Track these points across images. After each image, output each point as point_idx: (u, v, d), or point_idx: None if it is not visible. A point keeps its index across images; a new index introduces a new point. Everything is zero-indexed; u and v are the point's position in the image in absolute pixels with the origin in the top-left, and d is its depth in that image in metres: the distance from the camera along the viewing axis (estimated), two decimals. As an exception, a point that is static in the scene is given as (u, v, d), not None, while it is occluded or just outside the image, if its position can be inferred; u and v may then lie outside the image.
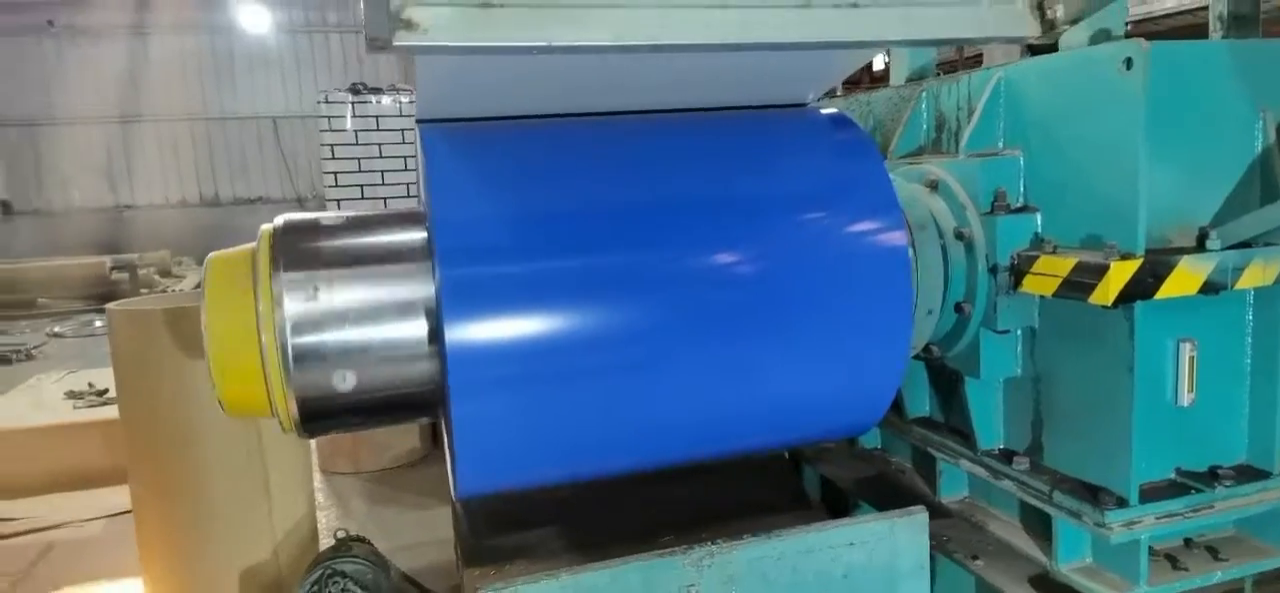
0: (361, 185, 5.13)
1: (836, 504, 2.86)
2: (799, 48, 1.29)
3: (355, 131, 5.06)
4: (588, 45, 1.20)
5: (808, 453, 3.04)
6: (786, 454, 3.03)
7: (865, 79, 10.28)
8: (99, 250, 16.00)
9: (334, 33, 19.82)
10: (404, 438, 4.95)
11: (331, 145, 5.06)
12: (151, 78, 19.00)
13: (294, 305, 1.70)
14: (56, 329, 12.04)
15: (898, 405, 2.69)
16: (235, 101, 19.70)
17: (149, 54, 18.90)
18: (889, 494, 2.68)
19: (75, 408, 5.47)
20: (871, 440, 2.97)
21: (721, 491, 2.61)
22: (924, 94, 2.52)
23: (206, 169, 19.81)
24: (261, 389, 1.75)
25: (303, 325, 1.71)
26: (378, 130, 5.10)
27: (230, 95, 19.66)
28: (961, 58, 8.37)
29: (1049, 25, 1.43)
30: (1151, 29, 7.37)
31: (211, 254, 1.82)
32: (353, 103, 5.02)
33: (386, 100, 5.10)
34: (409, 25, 1.06)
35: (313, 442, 5.01)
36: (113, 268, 14.52)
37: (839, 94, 3.96)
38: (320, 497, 4.57)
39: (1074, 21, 1.45)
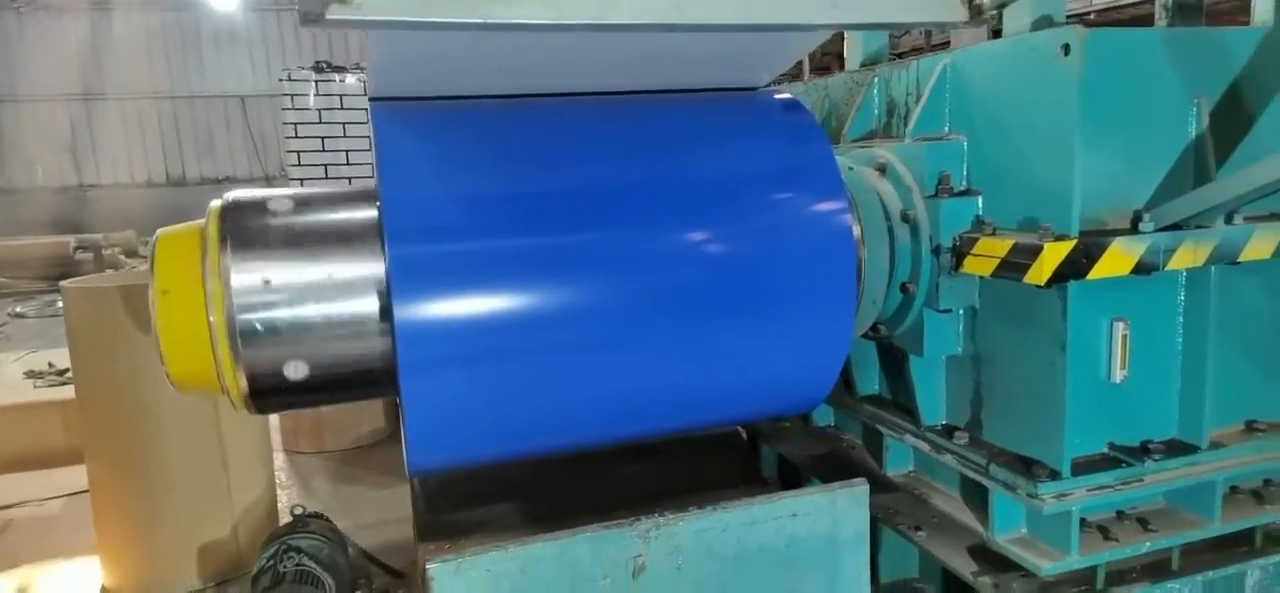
0: (325, 165, 5.09)
1: (792, 481, 2.93)
2: (731, 29, 1.32)
3: (319, 111, 5.01)
4: (523, 23, 1.23)
5: (764, 431, 3.10)
6: (743, 433, 3.09)
7: (836, 68, 10.32)
8: (63, 230, 15.70)
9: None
10: (368, 418, 4.96)
11: (294, 124, 5.01)
12: (117, 55, 18.62)
13: (242, 283, 1.71)
14: (19, 309, 11.83)
15: (849, 384, 2.75)
16: (202, 80, 19.37)
17: (114, 31, 18.51)
18: (840, 470, 2.74)
19: (35, 387, 5.40)
20: (825, 418, 3.03)
21: (679, 468, 2.66)
22: (876, 79, 2.57)
23: (173, 148, 19.48)
24: (211, 367, 1.76)
25: (251, 303, 1.72)
26: (342, 109, 5.05)
27: (197, 73, 19.33)
28: (929, 44, 8.45)
29: (976, 11, 1.47)
30: (1116, 17, 7.50)
31: (159, 231, 1.82)
32: (316, 81, 4.97)
33: (351, 79, 5.05)
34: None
35: (274, 422, 5.00)
36: (77, 248, 14.27)
37: (808, 79, 4.00)
38: (283, 476, 4.57)
39: (999, 6, 1.50)
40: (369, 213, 1.83)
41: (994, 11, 1.48)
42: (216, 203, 1.80)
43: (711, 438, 2.79)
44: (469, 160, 1.83)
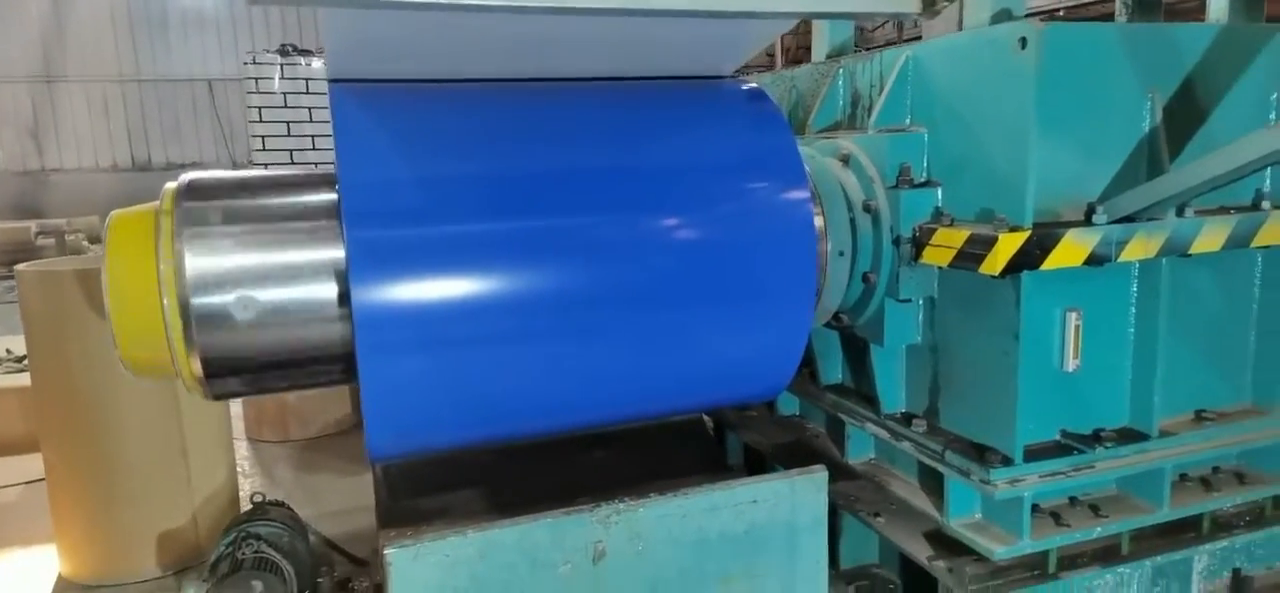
0: (291, 150, 5.02)
1: (757, 469, 2.95)
2: (688, 16, 1.32)
3: (284, 94, 4.94)
4: (476, 4, 1.22)
5: (730, 419, 3.12)
6: (709, 422, 3.11)
7: (808, 60, 10.37)
8: (25, 215, 15.33)
9: (274, -6, 19.13)
10: (333, 407, 4.91)
11: (259, 108, 4.94)
12: (81, 36, 18.15)
13: (197, 266, 1.69)
14: (-23, 296, 11.52)
15: (813, 373, 2.78)
16: (170, 63, 18.96)
17: (78, 11, 18.05)
18: (803, 458, 2.77)
19: (-8, 375, 5.28)
20: (790, 407, 3.06)
21: (644, 457, 2.67)
22: (841, 71, 2.59)
23: (139, 132, 19.06)
24: (164, 350, 1.73)
25: (205, 286, 1.69)
26: (308, 93, 4.98)
27: (164, 57, 18.91)
28: (902, 37, 8.51)
29: (929, 2, 1.49)
30: (1084, 16, 7.61)
31: (113, 212, 1.79)
32: (282, 64, 4.89)
33: (317, 63, 4.98)
34: (284, -20, 1.06)
35: (237, 411, 4.94)
36: (38, 233, 13.92)
37: (780, 68, 4.02)
38: (246, 466, 4.51)
39: (952, -1, 1.52)
40: (328, 196, 1.81)
41: (947, 2, 1.49)
42: (171, 184, 1.77)
43: (676, 427, 2.81)
44: (430, 144, 1.82)
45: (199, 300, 1.68)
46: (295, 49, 4.94)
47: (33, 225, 14.19)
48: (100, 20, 18.24)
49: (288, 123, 4.95)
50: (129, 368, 1.78)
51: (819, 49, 2.90)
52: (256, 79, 4.88)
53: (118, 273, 1.70)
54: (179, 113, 19.14)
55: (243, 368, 1.77)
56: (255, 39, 18.74)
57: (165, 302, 1.68)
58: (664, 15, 1.28)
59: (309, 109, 4.98)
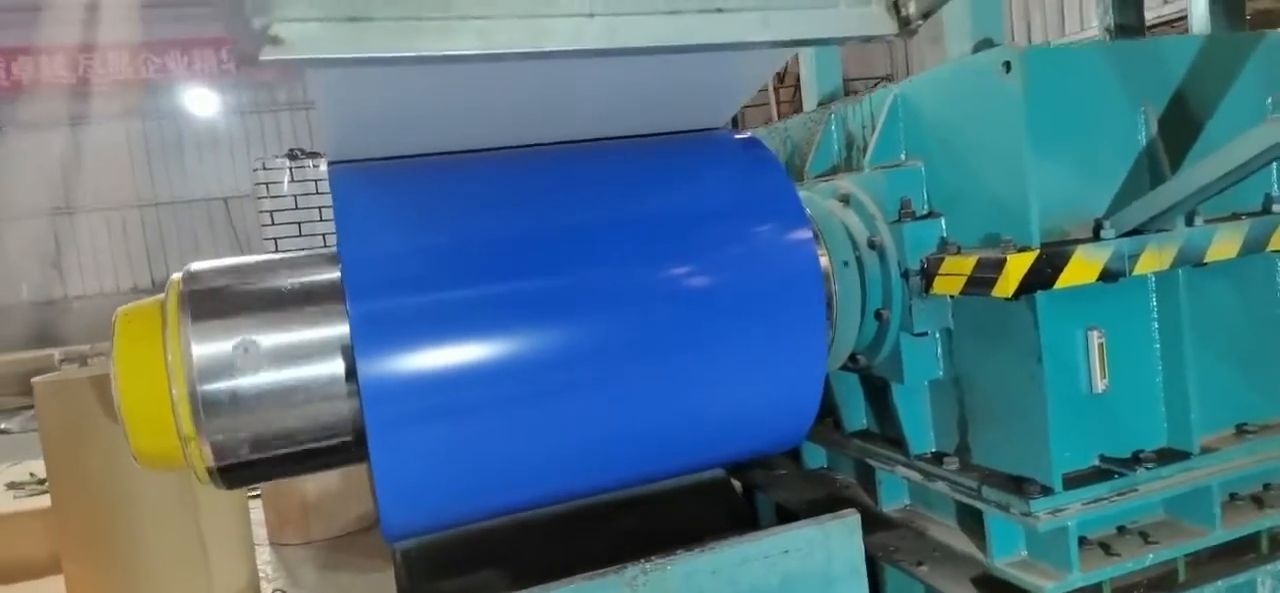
0: (304, 250, 5.11)
1: (788, 527, 2.86)
2: (665, 51, 1.34)
3: (294, 197, 5.06)
4: (457, 54, 1.24)
5: (759, 480, 3.05)
6: (738, 486, 3.04)
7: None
8: (47, 344, 15.59)
9: (283, 111, 19.85)
10: (354, 504, 4.85)
11: (271, 211, 5.06)
12: (98, 165, 18.82)
13: (203, 353, 1.69)
14: (2, 426, 11.64)
15: (837, 422, 2.72)
16: (185, 185, 19.57)
17: (94, 142, 18.75)
18: (836, 509, 2.69)
19: (15, 497, 5.27)
20: (817, 460, 2.99)
21: (671, 521, 2.60)
22: (832, 116, 2.61)
23: (157, 254, 19.54)
24: (175, 441, 1.72)
25: (213, 373, 1.69)
26: (318, 194, 5.11)
27: (180, 179, 19.54)
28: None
29: (904, 22, 1.51)
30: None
31: (120, 308, 1.80)
32: (291, 168, 5.03)
33: (324, 164, 5.12)
34: (275, 41, 1.09)
35: (258, 516, 4.89)
36: (62, 360, 14.13)
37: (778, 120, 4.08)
38: (269, 569, 4.44)
39: (925, 15, 1.53)
40: (331, 274, 1.82)
41: (920, 19, 1.51)
42: (176, 275, 1.79)
43: (704, 490, 2.73)
44: (429, 213, 1.83)
45: (207, 387, 1.67)
46: (303, 153, 5.09)
47: (56, 353, 14.43)
48: (117, 148, 18.92)
49: (299, 223, 5.06)
50: (141, 461, 1.77)
51: (810, 99, 2.94)
52: (267, 183, 5.02)
53: (126, 366, 1.70)
54: (196, 231, 19.64)
55: (254, 453, 1.74)
56: (268, 150, 19.34)
57: (174, 391, 1.68)
58: (644, 53, 1.30)
59: (319, 209, 5.10)
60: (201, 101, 19.33)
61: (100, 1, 17.71)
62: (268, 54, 1.09)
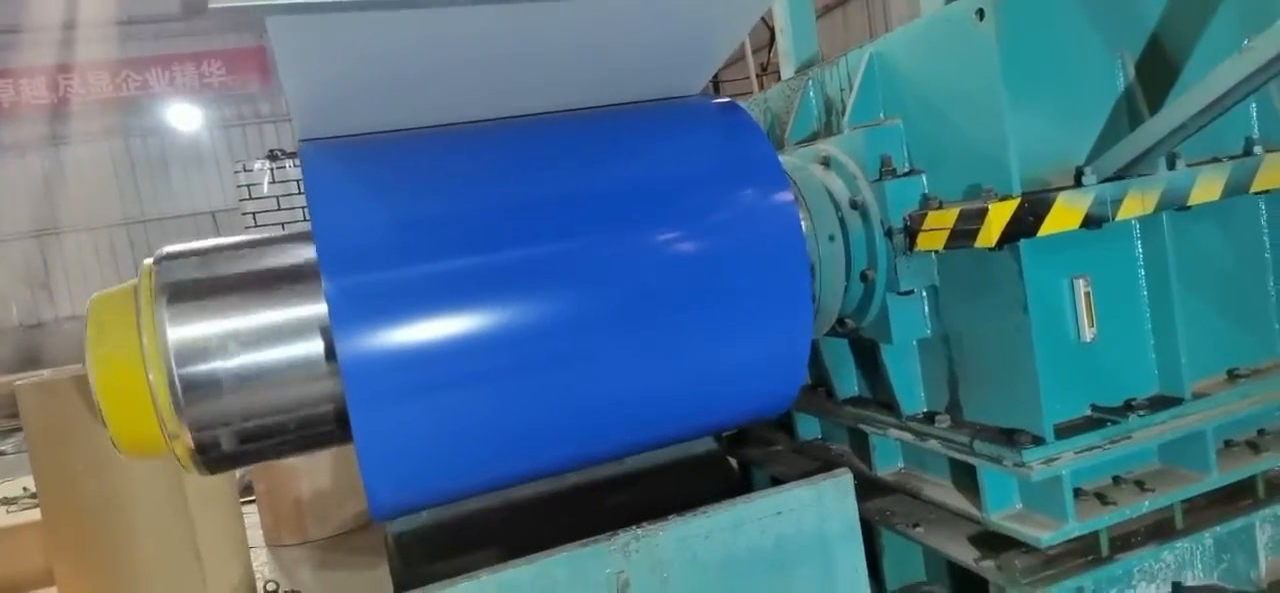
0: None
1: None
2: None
3: (276, 198, 5.03)
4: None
5: (754, 456, 3.03)
6: (733, 462, 3.02)
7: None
8: (39, 365, 15.48)
9: (268, 123, 19.77)
10: (350, 502, 4.83)
11: (253, 213, 5.02)
12: (84, 185, 18.70)
13: (179, 337, 1.66)
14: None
15: (830, 392, 2.70)
16: (172, 201, 19.47)
17: (79, 162, 18.64)
18: (829, 475, 2.68)
19: (9, 512, 5.23)
20: (811, 431, 2.97)
21: (666, 494, 2.57)
22: (810, 82, 2.60)
23: (147, 272, 19.41)
24: (155, 428, 1.69)
25: (191, 357, 1.66)
26: (299, 194, 5.07)
27: (166, 195, 19.44)
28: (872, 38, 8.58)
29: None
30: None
31: (94, 295, 1.77)
32: (272, 169, 5.00)
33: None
34: (226, -12, 1.07)
35: (254, 518, 4.85)
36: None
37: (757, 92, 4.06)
38: (266, 570, 4.41)
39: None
40: (306, 252, 1.79)
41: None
42: (149, 259, 1.76)
43: (700, 466, 2.71)
44: (402, 186, 1.80)
45: (184, 370, 1.64)
46: (283, 153, 5.05)
47: (46, 375, 14.34)
48: (102, 167, 18.81)
49: (282, 223, 5.02)
50: (123, 449, 1.74)
51: (787, 68, 2.93)
52: (249, 187, 4.98)
53: (101, 354, 1.67)
54: (185, 247, 19.52)
55: (235, 436, 1.72)
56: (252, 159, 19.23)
57: (151, 376, 1.65)
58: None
59: (301, 209, 5.06)
60: (184, 117, 19.24)
61: (78, 21, 17.59)
62: (217, 2, 1.07)
